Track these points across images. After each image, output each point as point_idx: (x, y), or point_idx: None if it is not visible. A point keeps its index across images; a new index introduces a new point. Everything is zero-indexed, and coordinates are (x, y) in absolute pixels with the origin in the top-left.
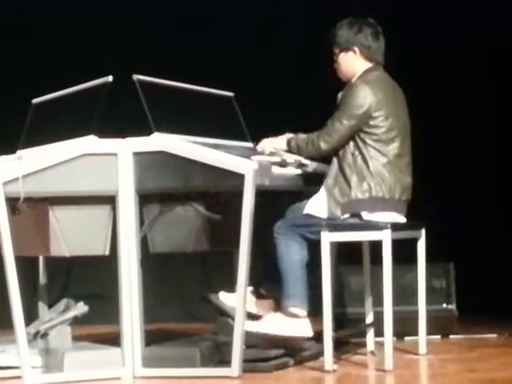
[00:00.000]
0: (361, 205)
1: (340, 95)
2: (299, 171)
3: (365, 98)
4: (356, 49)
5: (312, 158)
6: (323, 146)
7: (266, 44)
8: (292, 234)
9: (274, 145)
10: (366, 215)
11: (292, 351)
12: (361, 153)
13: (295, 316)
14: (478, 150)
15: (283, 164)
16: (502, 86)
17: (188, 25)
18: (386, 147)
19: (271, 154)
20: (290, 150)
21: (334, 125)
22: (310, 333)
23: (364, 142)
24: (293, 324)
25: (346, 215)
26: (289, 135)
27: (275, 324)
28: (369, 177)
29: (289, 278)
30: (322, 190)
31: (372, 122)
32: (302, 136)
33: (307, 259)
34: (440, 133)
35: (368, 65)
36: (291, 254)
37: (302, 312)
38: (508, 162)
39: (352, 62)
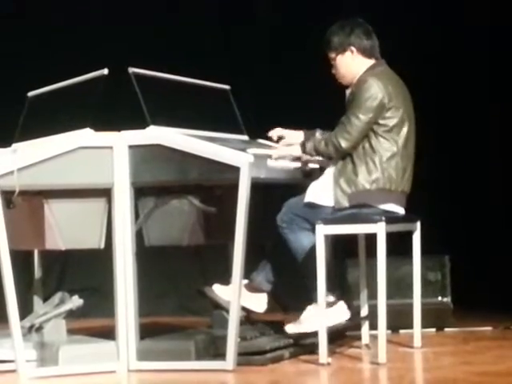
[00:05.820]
0: (367, 195)
1: (349, 93)
2: (297, 164)
3: (377, 90)
4: (353, 48)
5: (329, 158)
6: (343, 143)
7: (263, 37)
8: (296, 224)
9: (290, 153)
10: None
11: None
12: (371, 145)
13: (329, 304)
14: (475, 143)
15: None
16: (501, 83)
17: (186, 16)
18: (397, 137)
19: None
20: (305, 153)
21: (351, 121)
22: (348, 314)
23: (375, 133)
24: (331, 312)
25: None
26: (301, 133)
27: (315, 319)
28: (378, 169)
29: (309, 270)
30: (324, 177)
31: (386, 114)
32: (318, 137)
33: None
34: (438, 124)
35: (368, 61)
36: (303, 246)
37: (331, 298)
38: (504, 156)
39: (350, 62)
